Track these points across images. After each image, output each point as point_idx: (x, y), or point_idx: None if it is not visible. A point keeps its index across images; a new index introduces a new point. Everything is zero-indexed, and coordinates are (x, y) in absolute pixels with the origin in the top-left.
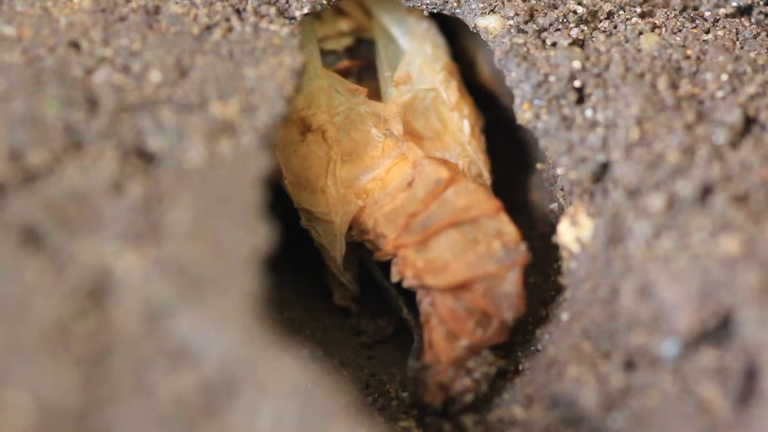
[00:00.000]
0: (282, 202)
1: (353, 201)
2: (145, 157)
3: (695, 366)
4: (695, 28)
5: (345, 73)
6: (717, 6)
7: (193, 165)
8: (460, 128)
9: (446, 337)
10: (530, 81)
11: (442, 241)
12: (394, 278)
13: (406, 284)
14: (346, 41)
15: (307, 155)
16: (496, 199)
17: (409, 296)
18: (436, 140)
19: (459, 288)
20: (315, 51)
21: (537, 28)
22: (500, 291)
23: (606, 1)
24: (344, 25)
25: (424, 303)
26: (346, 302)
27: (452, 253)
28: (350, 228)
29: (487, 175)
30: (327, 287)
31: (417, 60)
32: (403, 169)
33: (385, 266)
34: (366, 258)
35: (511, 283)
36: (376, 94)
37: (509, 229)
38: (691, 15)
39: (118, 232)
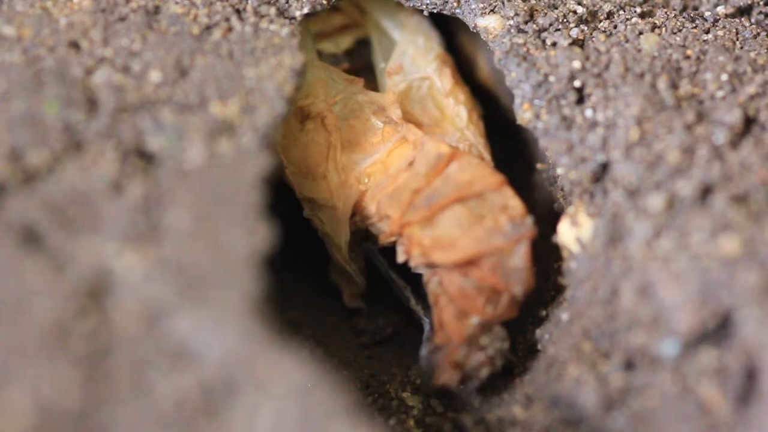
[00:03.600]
0: (283, 202)
1: (355, 185)
2: (145, 157)
3: (695, 366)
4: (695, 28)
5: None
6: (717, 6)
7: (193, 165)
8: (457, 114)
9: (456, 315)
10: (530, 81)
11: (448, 217)
12: (400, 258)
13: (413, 263)
14: (345, 43)
15: (306, 143)
16: (499, 173)
17: (416, 288)
18: (435, 127)
19: (467, 265)
20: (310, 44)
21: (537, 28)
22: (509, 266)
23: (606, 1)
24: (339, 20)
25: (432, 283)
26: (356, 302)
27: (459, 228)
28: (354, 215)
29: (488, 158)
30: (327, 287)
31: (409, 51)
32: (404, 152)
33: (392, 256)
34: (371, 250)
35: (520, 257)
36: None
37: (514, 202)
38: (691, 15)
39: (118, 232)
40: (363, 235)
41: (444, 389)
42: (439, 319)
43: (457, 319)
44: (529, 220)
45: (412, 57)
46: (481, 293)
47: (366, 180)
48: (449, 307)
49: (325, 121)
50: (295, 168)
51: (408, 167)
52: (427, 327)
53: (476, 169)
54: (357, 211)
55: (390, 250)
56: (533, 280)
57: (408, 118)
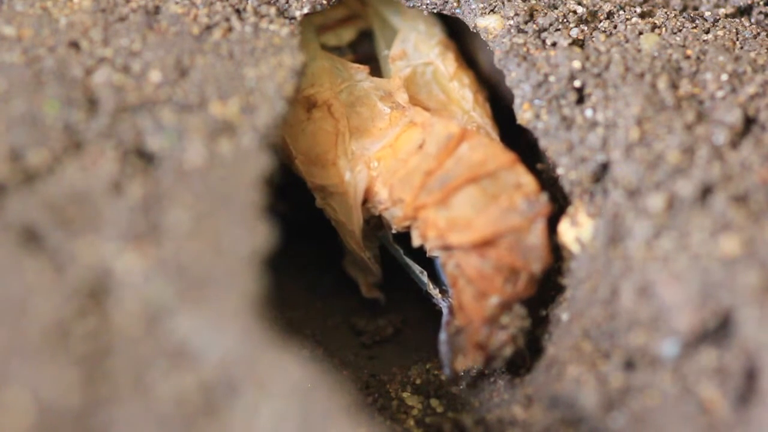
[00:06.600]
0: (284, 201)
1: (365, 170)
2: (145, 157)
3: (695, 366)
4: (695, 28)
5: None
6: (717, 6)
7: (193, 165)
8: (463, 96)
9: (476, 297)
10: (530, 81)
11: (462, 197)
12: (416, 242)
13: (429, 246)
14: (348, 36)
15: (314, 132)
16: (511, 151)
17: (432, 273)
18: (442, 111)
19: (484, 245)
20: (312, 36)
21: (537, 28)
22: (525, 244)
23: (606, 1)
24: (340, 12)
25: (449, 266)
26: (374, 293)
27: (474, 209)
28: (366, 201)
29: (497, 139)
30: (327, 287)
31: (411, 37)
32: (413, 135)
33: (407, 243)
34: (386, 238)
35: (536, 234)
36: None
37: (527, 179)
38: (691, 15)
39: (118, 232)
40: (376, 223)
41: (465, 373)
42: (458, 301)
43: (477, 300)
44: (544, 197)
45: (415, 43)
46: (499, 273)
47: (375, 164)
48: (468, 288)
49: (332, 109)
50: (304, 157)
51: (418, 150)
52: (445, 311)
53: (487, 148)
54: (369, 198)
55: (404, 239)
56: (551, 256)
57: (414, 102)
